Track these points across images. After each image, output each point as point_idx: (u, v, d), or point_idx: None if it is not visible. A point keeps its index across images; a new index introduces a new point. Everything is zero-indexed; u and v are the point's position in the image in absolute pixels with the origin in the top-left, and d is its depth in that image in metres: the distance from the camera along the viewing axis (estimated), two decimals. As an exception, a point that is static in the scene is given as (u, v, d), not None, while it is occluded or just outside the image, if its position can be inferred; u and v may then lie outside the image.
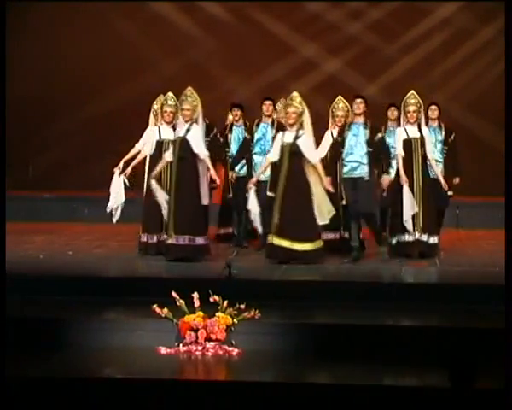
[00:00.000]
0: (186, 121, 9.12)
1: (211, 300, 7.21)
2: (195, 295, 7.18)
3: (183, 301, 7.20)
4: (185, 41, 14.07)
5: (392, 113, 10.30)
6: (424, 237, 9.31)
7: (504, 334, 6.14)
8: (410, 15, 13.74)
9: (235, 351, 7.02)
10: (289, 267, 8.96)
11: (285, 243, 8.94)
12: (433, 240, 9.43)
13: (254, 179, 9.31)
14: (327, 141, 9.66)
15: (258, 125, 9.86)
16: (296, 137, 9.02)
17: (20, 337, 7.06)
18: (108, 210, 9.51)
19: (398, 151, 9.41)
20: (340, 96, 9.81)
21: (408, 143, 9.36)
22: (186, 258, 9.00)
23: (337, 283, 8.35)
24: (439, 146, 9.91)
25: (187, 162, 9.07)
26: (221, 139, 10.33)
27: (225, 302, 7.19)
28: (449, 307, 7.68)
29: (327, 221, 9.10)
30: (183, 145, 9.07)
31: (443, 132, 10.00)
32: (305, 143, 9.01)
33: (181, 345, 7.07)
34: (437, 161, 9.72)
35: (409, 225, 9.21)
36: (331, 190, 9.08)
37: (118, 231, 10.56)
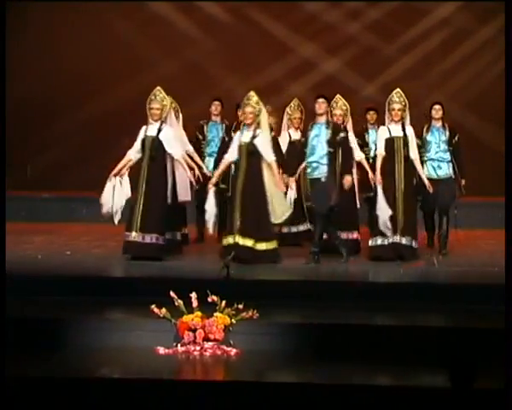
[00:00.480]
0: (155, 121, 9.18)
1: (209, 300, 7.18)
2: (193, 295, 7.16)
3: (181, 302, 7.18)
4: (184, 41, 14.06)
5: (437, 112, 9.83)
6: (404, 240, 9.13)
7: (504, 334, 6.09)
8: (408, 15, 13.73)
9: (233, 351, 6.99)
10: (287, 267, 8.96)
11: (249, 243, 8.93)
12: (415, 244, 9.25)
13: (214, 180, 9.26)
14: None
15: (312, 127, 9.53)
16: (253, 137, 9.03)
17: (19, 337, 7.02)
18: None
19: (379, 151, 9.28)
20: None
21: (390, 143, 9.24)
22: (150, 257, 8.98)
23: (335, 283, 8.33)
24: (443, 146, 9.66)
25: (157, 162, 9.11)
26: (226, 138, 10.32)
27: (223, 302, 7.17)
28: (448, 307, 7.65)
29: (280, 221, 9.14)
30: (154, 145, 9.11)
31: (447, 133, 9.72)
32: (262, 142, 9.02)
33: (179, 345, 7.05)
34: (439, 160, 9.60)
35: (388, 226, 9.08)
36: (284, 189, 9.10)
37: (116, 231, 10.49)
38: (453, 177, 9.66)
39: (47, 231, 11.56)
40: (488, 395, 5.61)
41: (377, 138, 9.43)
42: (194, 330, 7.05)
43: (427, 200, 9.55)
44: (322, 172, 9.10)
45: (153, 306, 7.12)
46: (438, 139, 9.65)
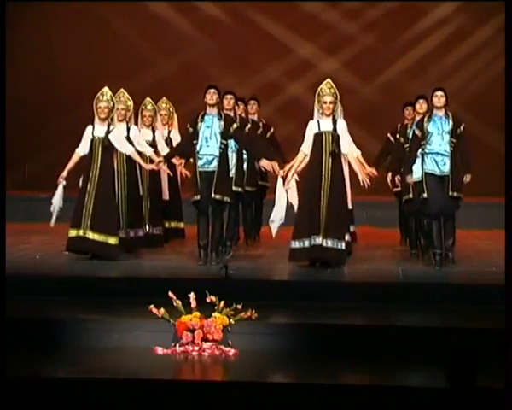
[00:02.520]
0: (120, 121, 9.45)
1: (207, 300, 7.15)
2: (192, 295, 7.13)
3: (179, 302, 7.16)
4: (182, 41, 14.06)
5: (421, 106, 9.44)
6: (329, 243, 8.56)
7: (504, 334, 6.05)
8: (405, 16, 13.72)
9: (231, 351, 6.97)
10: (285, 267, 8.96)
11: (99, 237, 9.00)
12: (341, 245, 8.62)
13: (64, 173, 9.21)
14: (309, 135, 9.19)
15: (203, 118, 9.08)
16: (108, 132, 9.06)
17: (17, 338, 7.01)
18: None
19: (304, 148, 8.73)
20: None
21: (318, 138, 8.63)
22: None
23: (333, 283, 8.30)
24: (447, 138, 8.71)
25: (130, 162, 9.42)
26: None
27: (222, 303, 7.14)
28: (447, 307, 7.64)
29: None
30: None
31: (450, 122, 8.75)
32: (117, 136, 9.10)
33: (177, 345, 7.03)
34: (443, 155, 8.72)
35: (274, 229, 8.79)
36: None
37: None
38: (449, 175, 8.74)
39: (44, 232, 11.50)
40: (488, 394, 5.60)
41: (306, 134, 8.77)
42: (192, 331, 7.02)
43: (428, 200, 8.73)
44: (216, 165, 8.87)
45: (151, 306, 7.09)
46: (440, 130, 8.73)
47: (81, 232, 9.01)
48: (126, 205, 9.45)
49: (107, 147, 9.05)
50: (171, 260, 9.35)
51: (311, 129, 8.76)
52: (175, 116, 10.48)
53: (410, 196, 9.06)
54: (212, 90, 8.91)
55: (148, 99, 10.05)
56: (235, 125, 8.99)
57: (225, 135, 8.88)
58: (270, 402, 6.10)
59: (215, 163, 8.87)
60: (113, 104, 9.12)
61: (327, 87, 8.65)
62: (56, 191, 9.33)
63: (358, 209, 10.43)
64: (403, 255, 9.61)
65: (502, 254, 6.99)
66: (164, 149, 9.95)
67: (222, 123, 8.90)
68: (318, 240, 8.58)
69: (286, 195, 8.86)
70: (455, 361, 5.18)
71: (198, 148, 8.89)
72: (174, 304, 7.14)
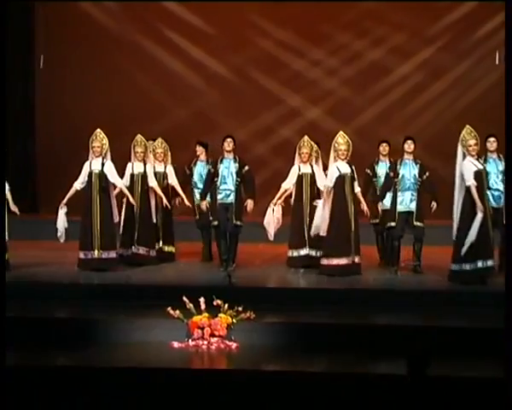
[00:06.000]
0: (97, 156, 9.25)
1: (214, 303, 7.25)
2: (202, 299, 7.24)
3: (191, 305, 7.24)
4: (193, 92, 14.10)
5: (409, 146, 8.95)
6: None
7: (504, 334, 5.82)
8: (374, 73, 13.82)
9: (234, 345, 7.07)
10: (278, 276, 9.04)
11: None
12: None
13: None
14: (293, 175, 9.44)
15: (222, 160, 9.33)
16: None
17: (60, 334, 7.15)
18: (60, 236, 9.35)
19: (471, 181, 8.16)
20: (305, 137, 9.46)
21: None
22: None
23: (318, 289, 8.31)
24: (501, 177, 8.74)
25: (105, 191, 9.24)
26: (187, 171, 10.23)
27: (226, 305, 7.24)
28: (409, 308, 7.68)
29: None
30: (102, 178, 9.20)
31: (503, 163, 8.73)
32: None
33: (190, 340, 7.13)
34: (500, 191, 8.66)
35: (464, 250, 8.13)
36: (17, 212, 9.04)
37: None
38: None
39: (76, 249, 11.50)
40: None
41: (464, 170, 8.20)
42: (202, 328, 7.13)
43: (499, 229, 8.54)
44: (233, 198, 9.21)
45: (168, 308, 7.17)
46: (496, 169, 8.79)
47: None
48: (99, 230, 9.16)
49: None
50: (183, 272, 9.41)
51: (470, 167, 8.18)
52: (169, 154, 10.21)
53: (393, 224, 9.03)
54: (228, 139, 9.30)
55: (139, 136, 9.80)
56: (246, 168, 9.31)
57: (239, 174, 9.22)
58: (265, 386, 6.18)
59: (232, 197, 9.24)
60: None
61: (466, 133, 8.27)
62: (59, 217, 9.21)
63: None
64: (374, 267, 9.47)
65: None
66: (152, 180, 9.72)
67: (237, 165, 9.25)
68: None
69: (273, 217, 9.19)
70: (412, 354, 5.20)
71: (218, 184, 9.26)
72: (187, 307, 7.23)
